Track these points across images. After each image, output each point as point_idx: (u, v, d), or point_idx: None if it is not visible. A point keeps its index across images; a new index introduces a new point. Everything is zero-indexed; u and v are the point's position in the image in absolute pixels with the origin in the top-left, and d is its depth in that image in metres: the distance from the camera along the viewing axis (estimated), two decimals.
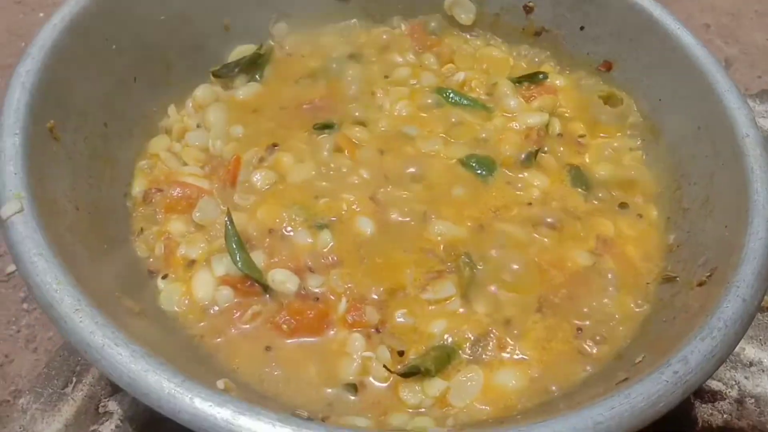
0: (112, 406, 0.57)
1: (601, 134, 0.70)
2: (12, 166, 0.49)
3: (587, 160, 0.69)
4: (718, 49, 1.46)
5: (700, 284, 0.53)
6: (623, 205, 0.65)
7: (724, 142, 0.59)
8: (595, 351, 0.55)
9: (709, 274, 0.53)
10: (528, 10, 0.77)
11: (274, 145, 0.66)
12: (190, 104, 0.71)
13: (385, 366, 0.52)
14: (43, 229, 0.47)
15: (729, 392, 0.61)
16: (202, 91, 0.72)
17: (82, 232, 0.54)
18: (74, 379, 0.59)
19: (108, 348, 0.41)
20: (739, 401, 0.61)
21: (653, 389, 0.42)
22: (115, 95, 0.65)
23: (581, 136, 0.70)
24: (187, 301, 0.56)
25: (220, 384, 0.44)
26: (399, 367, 0.52)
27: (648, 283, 0.59)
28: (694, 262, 0.57)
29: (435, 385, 0.51)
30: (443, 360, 0.53)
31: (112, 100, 0.65)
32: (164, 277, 0.57)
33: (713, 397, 0.61)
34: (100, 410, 0.57)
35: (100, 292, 0.49)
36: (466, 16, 0.79)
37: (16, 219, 0.47)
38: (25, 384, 0.86)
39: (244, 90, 0.72)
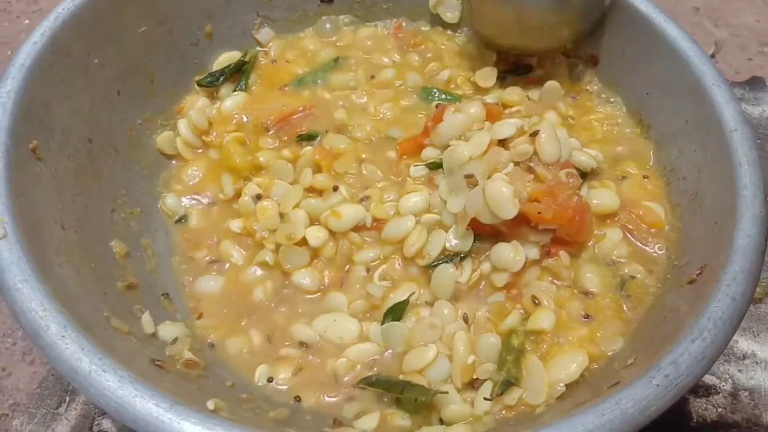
0: (106, 424, 0.57)
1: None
2: None
3: None
4: (707, 32, 1.45)
5: (690, 282, 0.53)
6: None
7: (712, 137, 0.58)
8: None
9: (698, 271, 0.53)
10: None
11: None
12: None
13: (486, 398, 0.52)
14: (28, 254, 0.46)
15: (723, 386, 0.61)
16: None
17: (68, 251, 0.54)
18: (67, 399, 0.59)
19: (95, 374, 0.41)
20: (733, 395, 0.61)
21: (644, 394, 0.42)
22: (99, 110, 0.64)
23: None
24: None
25: (210, 405, 0.44)
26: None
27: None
28: (685, 259, 0.57)
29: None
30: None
31: (96, 115, 0.64)
32: None
33: (707, 391, 0.61)
34: (94, 429, 0.57)
35: (88, 313, 0.49)
36: (451, 15, 0.79)
37: (0, 245, 0.46)
38: (23, 398, 0.86)
39: (231, 100, 0.71)
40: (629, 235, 0.61)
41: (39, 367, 0.92)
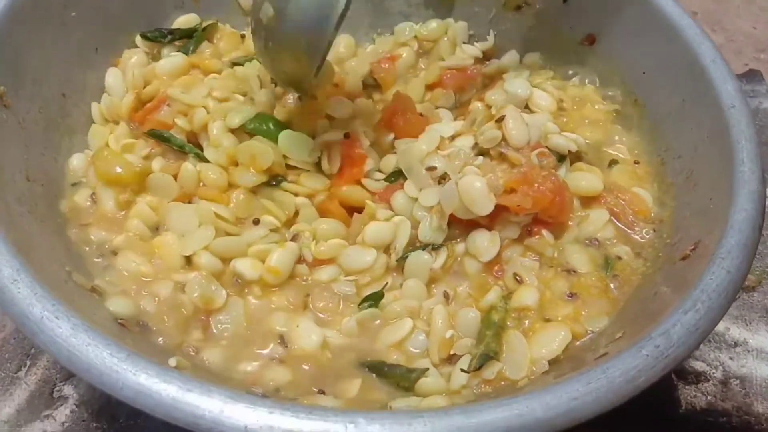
0: (68, 390, 0.54)
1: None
2: None
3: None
4: None
5: (684, 258, 0.51)
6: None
7: (709, 114, 0.56)
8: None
9: (692, 247, 0.50)
10: None
11: None
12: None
13: (463, 369, 0.49)
14: None
15: (713, 373, 0.59)
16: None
17: (32, 203, 0.51)
18: (28, 363, 0.56)
19: (47, 320, 0.38)
20: (724, 382, 0.59)
21: (632, 364, 0.40)
22: (75, 65, 0.62)
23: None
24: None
25: (172, 362, 0.41)
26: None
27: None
28: (678, 236, 0.54)
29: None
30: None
31: (71, 70, 0.62)
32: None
33: (697, 378, 0.59)
34: (55, 395, 0.54)
35: (48, 264, 0.46)
36: None
37: None
38: None
39: (167, 60, 0.65)
40: (615, 219, 0.59)
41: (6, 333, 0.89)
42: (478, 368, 0.49)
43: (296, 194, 0.58)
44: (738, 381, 0.59)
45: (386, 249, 0.56)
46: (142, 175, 0.57)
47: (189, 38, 0.70)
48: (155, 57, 0.68)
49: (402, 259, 0.55)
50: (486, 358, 0.49)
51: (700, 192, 0.55)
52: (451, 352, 0.51)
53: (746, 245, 0.47)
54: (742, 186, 0.50)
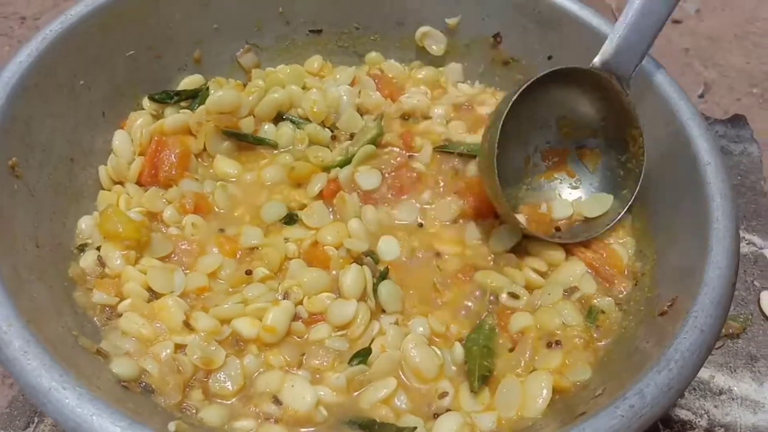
0: None
1: None
2: None
3: None
4: (697, 72, 1.48)
5: (662, 313, 0.53)
6: None
7: (686, 170, 0.59)
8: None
9: (670, 303, 0.53)
10: (497, 40, 0.78)
11: None
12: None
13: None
14: None
15: (698, 422, 0.61)
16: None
17: (41, 269, 0.54)
18: (36, 419, 0.58)
19: (54, 391, 0.40)
20: (709, 431, 0.60)
21: (608, 424, 0.42)
22: (83, 130, 0.65)
23: None
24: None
25: (171, 426, 0.43)
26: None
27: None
28: (657, 291, 0.57)
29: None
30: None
31: (79, 135, 0.65)
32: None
33: (683, 426, 0.61)
34: None
35: (56, 330, 0.49)
36: (437, 47, 0.80)
37: None
38: None
39: (173, 118, 0.70)
40: (594, 273, 0.62)
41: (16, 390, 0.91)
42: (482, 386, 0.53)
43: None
44: (723, 429, 0.60)
45: (363, 294, 0.59)
46: (143, 230, 0.60)
47: (194, 98, 0.73)
48: (159, 117, 0.72)
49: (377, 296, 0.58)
50: (483, 378, 0.53)
51: (679, 247, 0.58)
52: (433, 410, 0.53)
53: (720, 303, 0.49)
54: (717, 243, 0.52)
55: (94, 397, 0.40)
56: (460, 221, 0.66)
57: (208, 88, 0.74)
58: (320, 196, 0.67)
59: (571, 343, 0.56)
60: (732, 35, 1.61)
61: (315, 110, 0.73)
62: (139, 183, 0.66)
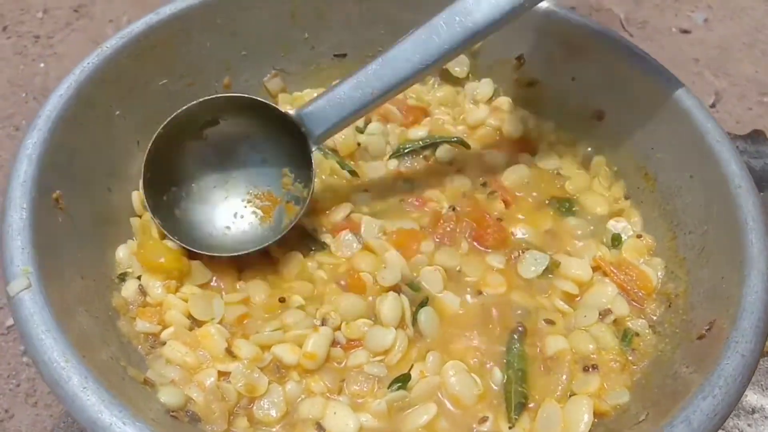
0: None
1: None
2: (20, 240, 0.50)
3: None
4: (708, 82, 1.49)
5: (700, 337, 0.54)
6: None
7: (717, 193, 0.60)
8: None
9: (708, 327, 0.53)
10: (520, 62, 0.79)
11: None
12: None
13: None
14: (51, 305, 0.47)
15: None
16: None
17: (88, 301, 0.55)
18: None
19: (115, 427, 0.41)
20: None
21: None
22: (119, 160, 0.66)
23: None
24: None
25: None
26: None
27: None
28: (693, 313, 0.57)
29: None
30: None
31: (116, 165, 0.66)
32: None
33: None
34: None
35: (106, 363, 0.50)
36: (460, 69, 0.81)
37: (24, 295, 0.47)
38: None
39: None
40: (625, 294, 0.62)
41: (42, 410, 0.92)
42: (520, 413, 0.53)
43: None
44: None
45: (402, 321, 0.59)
46: (183, 259, 0.62)
47: None
48: None
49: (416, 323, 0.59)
50: (521, 406, 0.54)
51: (712, 269, 0.58)
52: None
53: (759, 327, 0.50)
54: (753, 267, 0.53)
55: (153, 430, 0.41)
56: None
57: None
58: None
59: (608, 366, 0.57)
60: (741, 44, 1.62)
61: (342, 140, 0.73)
62: None
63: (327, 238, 0.66)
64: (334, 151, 0.74)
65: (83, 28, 1.54)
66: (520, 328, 0.60)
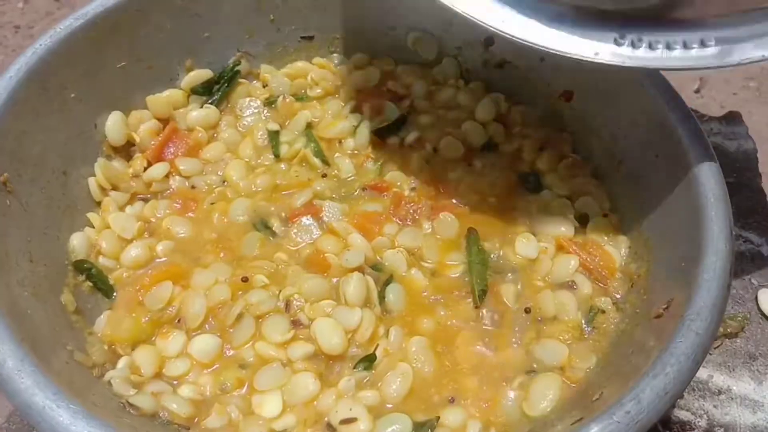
0: None
1: None
2: None
3: None
4: None
5: (657, 316, 0.53)
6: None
7: (680, 172, 0.58)
8: None
9: (665, 306, 0.52)
10: (488, 43, 0.77)
11: None
12: None
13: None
14: None
15: (698, 422, 0.61)
16: None
17: (35, 284, 0.54)
18: None
19: (48, 410, 0.40)
20: (708, 431, 0.60)
21: (604, 431, 0.42)
22: (75, 143, 0.65)
23: None
24: None
25: None
26: None
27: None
28: (653, 293, 0.57)
29: None
30: None
31: (72, 147, 0.65)
32: None
33: (682, 427, 0.60)
34: None
35: (50, 346, 0.49)
36: (429, 51, 0.80)
37: None
38: None
39: (197, 113, 0.73)
40: (588, 274, 0.62)
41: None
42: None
43: None
44: (722, 429, 0.60)
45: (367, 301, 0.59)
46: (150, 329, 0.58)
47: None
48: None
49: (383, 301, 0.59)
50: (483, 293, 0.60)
51: (673, 249, 0.57)
52: None
53: (715, 306, 0.49)
54: (711, 245, 0.52)
55: (88, 413, 0.40)
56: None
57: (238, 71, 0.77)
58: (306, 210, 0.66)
59: (563, 336, 0.57)
60: None
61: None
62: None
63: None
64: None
65: (64, 18, 1.53)
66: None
